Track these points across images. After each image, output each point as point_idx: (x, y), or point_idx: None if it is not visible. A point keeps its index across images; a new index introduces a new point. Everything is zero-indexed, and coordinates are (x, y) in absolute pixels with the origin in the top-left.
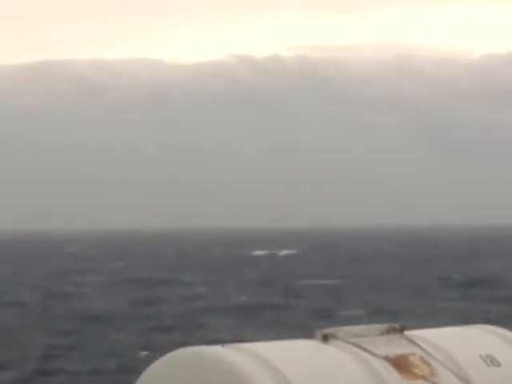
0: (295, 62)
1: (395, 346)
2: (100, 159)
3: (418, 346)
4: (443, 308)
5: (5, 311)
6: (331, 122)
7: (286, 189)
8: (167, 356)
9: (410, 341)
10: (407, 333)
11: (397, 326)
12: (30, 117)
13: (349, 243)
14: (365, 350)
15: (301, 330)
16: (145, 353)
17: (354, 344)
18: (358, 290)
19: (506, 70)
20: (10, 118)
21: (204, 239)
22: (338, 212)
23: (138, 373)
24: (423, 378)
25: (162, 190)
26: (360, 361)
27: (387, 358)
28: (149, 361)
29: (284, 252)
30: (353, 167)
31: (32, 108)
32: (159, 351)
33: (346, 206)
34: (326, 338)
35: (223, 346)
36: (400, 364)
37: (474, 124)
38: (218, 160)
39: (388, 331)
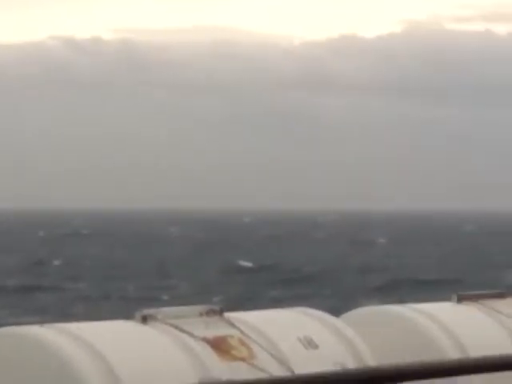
0: (117, 45)
1: (214, 328)
2: None
3: (236, 328)
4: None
5: None
6: (145, 103)
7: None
8: None
9: (229, 323)
10: (227, 315)
11: (216, 307)
12: None
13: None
14: (183, 331)
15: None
16: None
17: (173, 325)
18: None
19: (325, 56)
20: None
21: None
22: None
23: None
24: (242, 359)
25: None
26: (179, 342)
27: (205, 340)
28: None
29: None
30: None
31: None
32: None
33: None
34: (145, 319)
35: (41, 326)
36: (218, 345)
37: (303, 110)
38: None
39: (207, 313)
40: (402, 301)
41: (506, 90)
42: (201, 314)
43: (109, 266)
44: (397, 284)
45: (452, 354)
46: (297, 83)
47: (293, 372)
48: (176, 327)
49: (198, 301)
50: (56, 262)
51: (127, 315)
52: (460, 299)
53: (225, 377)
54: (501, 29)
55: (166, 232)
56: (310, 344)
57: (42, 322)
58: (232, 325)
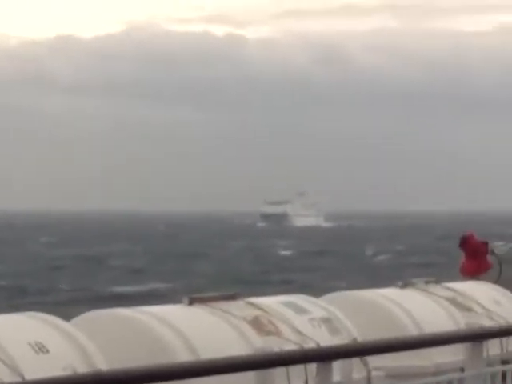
0: None
1: None
2: None
3: None
4: None
5: None
6: None
7: None
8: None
9: None
10: None
11: None
12: None
13: None
14: None
15: None
16: None
17: None
18: None
19: (45, 55)
20: None
21: None
22: None
23: None
24: None
25: None
26: None
27: None
28: None
29: None
30: None
31: None
32: None
33: None
34: None
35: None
36: None
37: (18, 111)
38: None
39: None
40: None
41: (225, 92)
42: None
43: None
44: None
45: (183, 357)
46: (13, 83)
47: (23, 377)
48: None
49: None
50: None
51: None
52: (191, 302)
53: None
54: (219, 30)
55: None
56: (40, 349)
57: None
58: None
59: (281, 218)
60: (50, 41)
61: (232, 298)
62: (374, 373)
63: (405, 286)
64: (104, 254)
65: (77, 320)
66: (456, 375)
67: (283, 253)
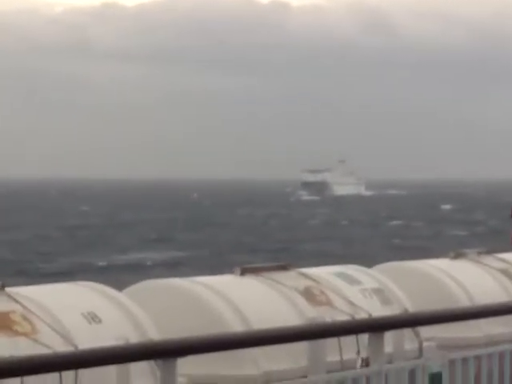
0: None
1: None
2: None
3: (19, 303)
4: None
5: None
6: None
7: None
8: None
9: (11, 298)
10: (9, 290)
11: None
12: None
13: None
14: None
15: None
16: None
17: None
18: None
19: (89, 23)
20: None
21: None
22: None
23: None
24: (24, 334)
25: None
26: None
27: None
28: None
29: None
30: None
31: None
32: None
33: None
34: None
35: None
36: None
37: (62, 77)
38: None
39: None
40: None
41: (268, 59)
42: None
43: None
44: None
45: (236, 327)
46: (57, 49)
47: (76, 347)
48: None
49: None
50: None
51: None
52: (243, 272)
53: (7, 352)
54: None
55: None
56: (93, 319)
57: None
58: (14, 300)
59: (321, 186)
60: (94, 8)
61: (284, 268)
62: (425, 343)
63: (457, 256)
64: (127, 223)
65: (129, 290)
66: (508, 347)
67: (311, 222)
